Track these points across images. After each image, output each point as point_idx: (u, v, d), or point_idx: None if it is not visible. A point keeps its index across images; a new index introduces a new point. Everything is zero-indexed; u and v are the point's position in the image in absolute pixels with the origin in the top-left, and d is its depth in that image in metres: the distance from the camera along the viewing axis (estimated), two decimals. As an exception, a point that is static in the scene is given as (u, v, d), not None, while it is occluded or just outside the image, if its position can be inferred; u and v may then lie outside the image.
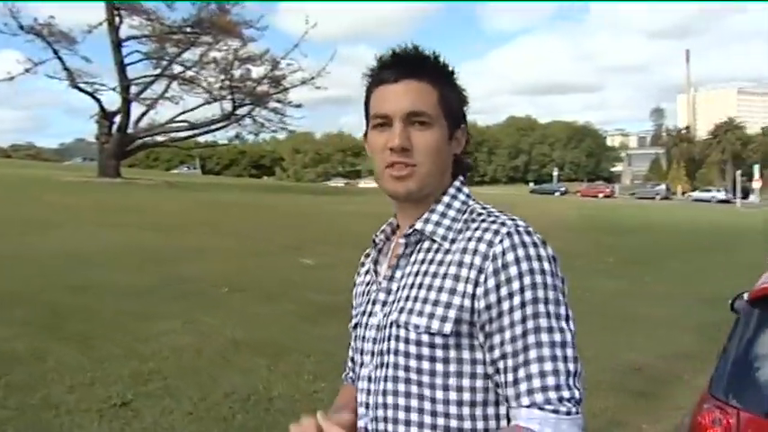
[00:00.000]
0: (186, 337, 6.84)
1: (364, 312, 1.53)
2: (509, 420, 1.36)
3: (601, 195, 68.30)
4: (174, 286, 9.17)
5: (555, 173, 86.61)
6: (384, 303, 1.47)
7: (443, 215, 1.46)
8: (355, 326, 1.57)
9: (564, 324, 1.34)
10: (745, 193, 66.85)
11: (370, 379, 1.47)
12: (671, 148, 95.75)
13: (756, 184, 60.53)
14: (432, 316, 1.37)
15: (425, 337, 1.36)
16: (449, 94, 1.48)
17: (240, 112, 31.98)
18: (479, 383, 1.37)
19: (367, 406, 1.48)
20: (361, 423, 1.49)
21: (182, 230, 15.14)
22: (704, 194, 69.83)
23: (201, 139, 39.84)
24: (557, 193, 70.51)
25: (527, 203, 36.96)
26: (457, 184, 1.51)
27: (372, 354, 1.47)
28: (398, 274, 1.47)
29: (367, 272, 1.60)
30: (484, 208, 1.46)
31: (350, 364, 1.71)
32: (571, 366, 1.31)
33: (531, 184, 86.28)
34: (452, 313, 1.35)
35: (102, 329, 6.82)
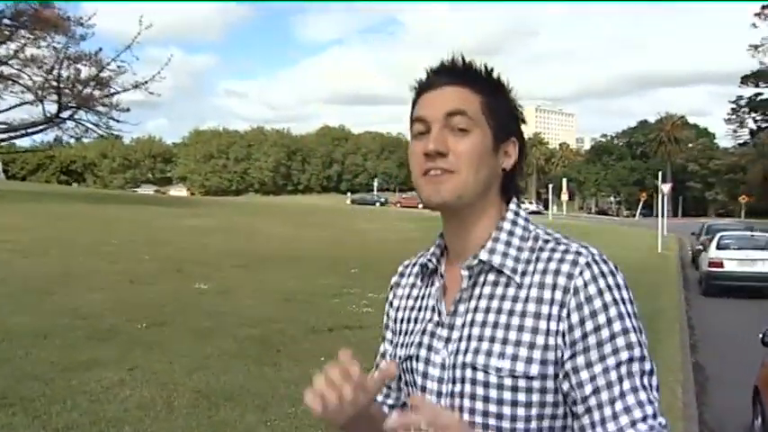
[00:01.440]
0: (144, 391, 5.78)
1: (420, 345, 1.41)
2: None
3: (421, 206, 69.80)
4: (80, 324, 7.90)
5: (375, 183, 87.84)
6: (447, 340, 1.37)
7: (508, 244, 1.36)
8: (408, 358, 1.43)
9: (646, 351, 1.28)
10: (547, 204, 71.34)
11: None
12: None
13: (564, 196, 64.67)
14: (515, 358, 1.28)
15: (508, 381, 1.28)
16: (495, 103, 1.38)
17: (63, 114, 29.34)
18: (558, 423, 1.30)
19: None
20: None
21: (35, 251, 13.38)
22: (517, 206, 73.72)
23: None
24: (377, 204, 71.48)
25: (371, 216, 36.97)
26: (513, 207, 1.41)
27: (440, 394, 1.36)
28: (462, 308, 1.37)
29: (408, 296, 1.51)
30: (548, 233, 1.37)
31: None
32: (657, 394, 1.28)
33: (349, 194, 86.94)
34: (537, 354, 1.28)
35: (39, 388, 5.60)
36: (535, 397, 1.28)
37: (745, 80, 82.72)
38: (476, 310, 1.35)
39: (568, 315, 1.27)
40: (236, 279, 12.34)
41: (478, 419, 1.31)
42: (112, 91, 29.46)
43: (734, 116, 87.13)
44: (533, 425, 1.29)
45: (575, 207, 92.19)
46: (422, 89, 1.41)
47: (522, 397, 1.28)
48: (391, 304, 1.57)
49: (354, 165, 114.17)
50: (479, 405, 1.31)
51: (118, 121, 29.65)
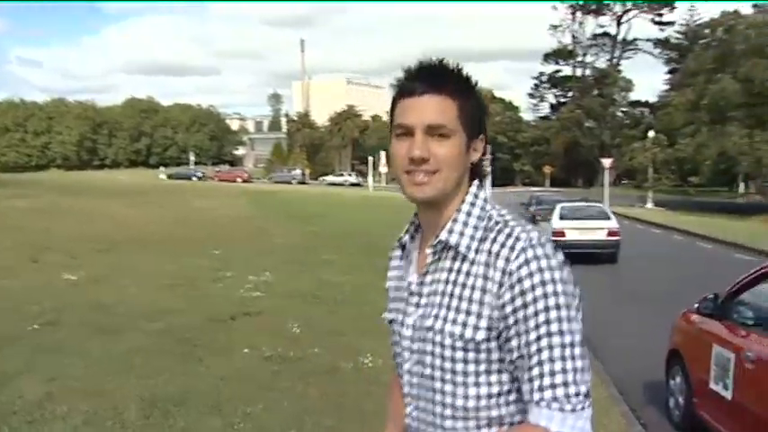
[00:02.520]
0: (81, 404, 5.17)
1: (398, 310, 1.67)
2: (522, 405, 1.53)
3: (239, 180, 68.57)
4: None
5: (192, 157, 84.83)
6: (417, 305, 1.61)
7: (465, 224, 1.56)
8: (392, 321, 1.70)
9: (573, 326, 1.47)
10: (363, 176, 72.53)
11: (410, 373, 1.63)
12: (294, 133, 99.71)
13: (383, 168, 65.81)
14: (465, 325, 1.51)
15: (459, 344, 1.51)
16: (468, 106, 1.55)
17: None
18: (505, 376, 1.53)
19: (410, 396, 1.64)
20: (408, 410, 1.65)
21: None
22: (338, 178, 74.09)
23: None
24: (194, 178, 69.26)
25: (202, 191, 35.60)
26: (473, 190, 1.60)
27: (411, 351, 1.62)
28: (428, 279, 1.60)
29: (395, 268, 1.74)
30: (500, 215, 1.57)
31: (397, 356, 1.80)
32: (578, 363, 1.46)
33: (162, 168, 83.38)
34: (483, 323, 1.50)
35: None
36: (482, 355, 1.51)
37: (546, 58, 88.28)
38: (438, 281, 1.57)
39: (504, 293, 1.48)
40: (103, 266, 11.44)
41: (438, 373, 1.55)
42: None
43: (536, 91, 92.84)
44: (482, 378, 1.52)
45: (388, 178, 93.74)
46: (403, 93, 1.56)
47: (470, 356, 1.51)
48: (387, 279, 1.78)
49: (164, 138, 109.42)
50: (438, 361, 1.55)
51: None
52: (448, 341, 1.52)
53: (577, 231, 18.25)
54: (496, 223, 1.55)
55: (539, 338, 1.46)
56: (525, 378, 1.48)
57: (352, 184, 70.32)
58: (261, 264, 12.89)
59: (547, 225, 19.34)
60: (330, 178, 75.15)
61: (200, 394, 5.60)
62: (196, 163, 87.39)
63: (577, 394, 1.46)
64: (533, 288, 1.46)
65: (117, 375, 5.86)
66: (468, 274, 1.53)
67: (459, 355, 1.52)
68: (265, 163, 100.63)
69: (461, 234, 1.56)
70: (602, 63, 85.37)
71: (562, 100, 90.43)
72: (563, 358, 1.46)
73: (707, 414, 5.91)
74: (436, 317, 1.55)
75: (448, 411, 1.55)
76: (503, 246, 1.50)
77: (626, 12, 78.23)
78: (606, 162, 43.14)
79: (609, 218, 18.83)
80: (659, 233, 28.11)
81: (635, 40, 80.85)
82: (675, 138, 41.70)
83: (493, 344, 1.51)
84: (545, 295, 1.47)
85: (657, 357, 6.90)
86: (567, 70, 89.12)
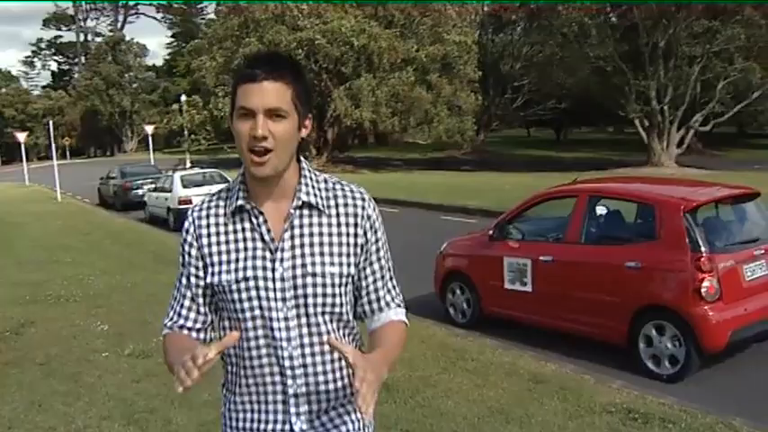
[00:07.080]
0: None
1: (254, 267, 1.89)
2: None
3: None
4: None
5: None
6: (282, 260, 1.88)
7: (312, 187, 1.94)
8: (244, 279, 1.89)
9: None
10: None
11: (286, 319, 1.89)
12: None
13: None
14: (341, 265, 1.92)
15: (337, 280, 1.91)
16: (300, 90, 1.85)
17: None
18: (352, 301, 2.03)
19: (288, 340, 1.90)
20: (284, 353, 1.90)
21: None
22: None
23: None
24: None
25: None
26: (303, 161, 1.97)
27: (284, 299, 1.88)
28: (287, 235, 1.89)
29: (218, 233, 1.93)
30: (328, 178, 1.99)
31: (182, 314, 1.98)
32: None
33: None
34: (352, 259, 1.94)
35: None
36: (348, 287, 1.96)
37: (46, 23, 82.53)
38: (301, 235, 1.90)
39: (365, 233, 1.94)
40: None
41: (319, 309, 1.90)
42: None
43: (35, 58, 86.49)
44: (348, 299, 1.97)
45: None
46: (244, 78, 1.80)
47: (343, 289, 1.94)
48: (192, 245, 1.95)
49: None
50: (320, 300, 1.90)
51: None
52: (328, 281, 1.88)
53: (204, 197, 18.80)
54: (333, 184, 1.96)
55: (386, 265, 2.01)
56: (381, 294, 2.00)
57: None
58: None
59: (161, 195, 19.73)
60: None
61: (146, 401, 5.58)
62: None
63: (403, 301, 2.07)
64: (379, 227, 1.98)
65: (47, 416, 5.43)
66: (329, 225, 1.91)
67: (337, 290, 1.90)
68: None
69: (315, 195, 1.91)
70: (104, 28, 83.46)
71: (65, 68, 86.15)
72: (394, 278, 2.05)
73: (500, 308, 7.67)
74: (313, 264, 1.88)
75: (333, 335, 1.91)
76: (353, 198, 1.94)
77: (127, -25, 77.20)
78: (149, 128, 43.47)
79: (228, 181, 19.71)
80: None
81: (137, 4, 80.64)
82: (209, 99, 42.89)
83: (354, 276, 1.95)
84: (383, 232, 1.99)
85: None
86: (69, 36, 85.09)
